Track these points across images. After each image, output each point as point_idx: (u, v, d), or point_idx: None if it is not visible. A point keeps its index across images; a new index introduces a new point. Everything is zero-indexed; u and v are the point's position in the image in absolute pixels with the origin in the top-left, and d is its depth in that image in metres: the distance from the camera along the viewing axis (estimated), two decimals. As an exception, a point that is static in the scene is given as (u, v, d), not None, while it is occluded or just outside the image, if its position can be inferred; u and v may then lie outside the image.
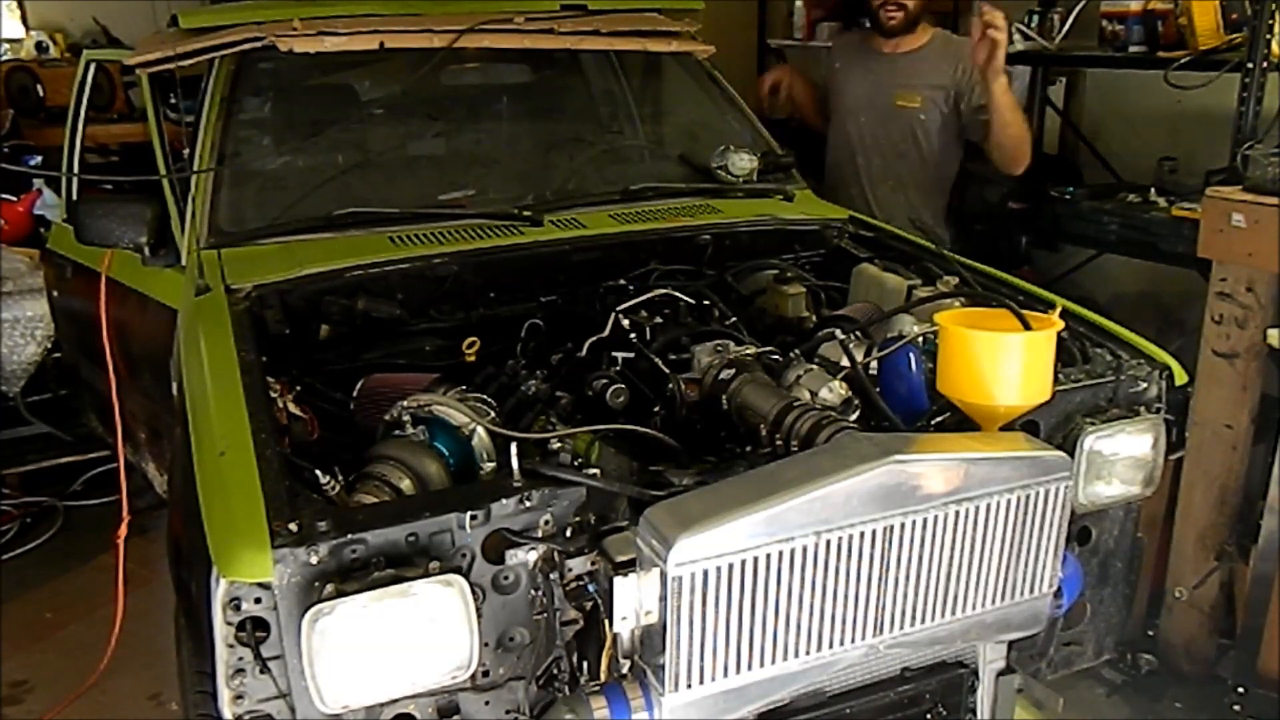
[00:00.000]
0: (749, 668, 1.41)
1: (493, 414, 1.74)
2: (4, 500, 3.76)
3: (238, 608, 1.33)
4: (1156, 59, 3.21)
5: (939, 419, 1.75)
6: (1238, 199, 2.45)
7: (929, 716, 1.73)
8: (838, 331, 1.94)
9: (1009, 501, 1.50)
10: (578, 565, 1.46)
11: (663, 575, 1.32)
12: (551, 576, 1.48)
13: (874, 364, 1.85)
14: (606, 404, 1.82)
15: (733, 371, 1.84)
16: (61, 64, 5.08)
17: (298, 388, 1.83)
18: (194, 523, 1.42)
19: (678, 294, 2.12)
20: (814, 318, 2.25)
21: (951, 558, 1.50)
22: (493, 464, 1.61)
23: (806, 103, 3.53)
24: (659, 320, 2.06)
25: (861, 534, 1.41)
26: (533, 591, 1.49)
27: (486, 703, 1.51)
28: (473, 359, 2.07)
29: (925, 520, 1.45)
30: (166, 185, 2.47)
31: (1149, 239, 3.15)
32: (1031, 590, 1.59)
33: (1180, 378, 1.96)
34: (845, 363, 1.85)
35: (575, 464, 1.57)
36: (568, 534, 1.47)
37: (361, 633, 1.31)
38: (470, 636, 1.36)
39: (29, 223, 4.20)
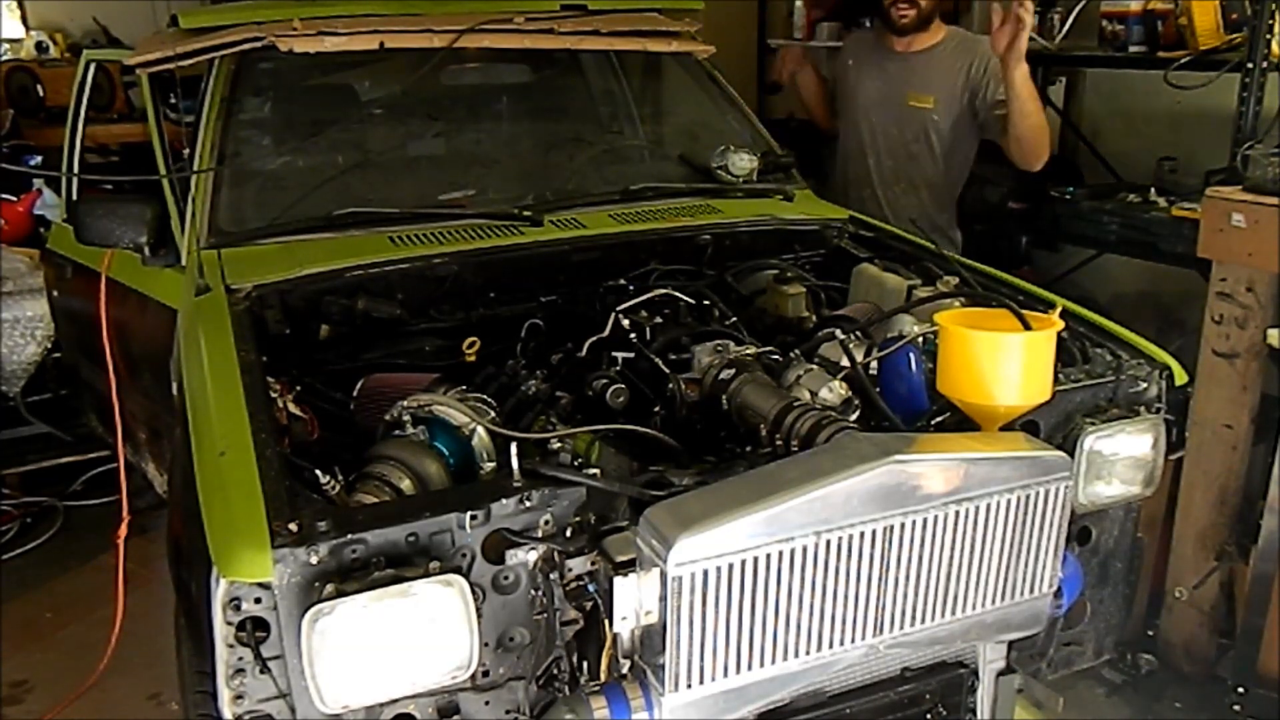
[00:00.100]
0: (749, 668, 1.41)
1: (493, 414, 1.74)
2: (4, 500, 3.76)
3: (238, 608, 1.33)
4: (1156, 59, 3.21)
5: (939, 419, 1.75)
6: (1238, 199, 2.45)
7: (929, 716, 1.73)
8: (838, 331, 1.94)
9: (1009, 501, 1.50)
10: (578, 565, 1.46)
11: (663, 575, 1.32)
12: (551, 576, 1.48)
13: (874, 364, 1.85)
14: (606, 404, 1.82)
15: (733, 371, 1.84)
16: (61, 64, 5.09)
17: (298, 388, 1.83)
18: (194, 523, 1.42)
19: (678, 294, 2.12)
20: (814, 318, 2.25)
21: (951, 558, 1.50)
22: (493, 464, 1.62)
23: (815, 99, 3.47)
24: (659, 320, 2.06)
25: (861, 534, 1.41)
26: (533, 591, 1.49)
27: (486, 703, 1.51)
28: (473, 359, 2.07)
29: (925, 520, 1.45)
30: (166, 185, 2.47)
31: (1149, 239, 3.16)
32: (1031, 590, 1.59)
33: (1180, 378, 1.96)
34: (845, 363, 1.85)
35: (575, 464, 1.57)
36: (568, 534, 1.47)
37: (361, 633, 1.31)
38: (470, 636, 1.36)
39: (29, 223, 4.20)
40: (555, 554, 1.46)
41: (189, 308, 2.06)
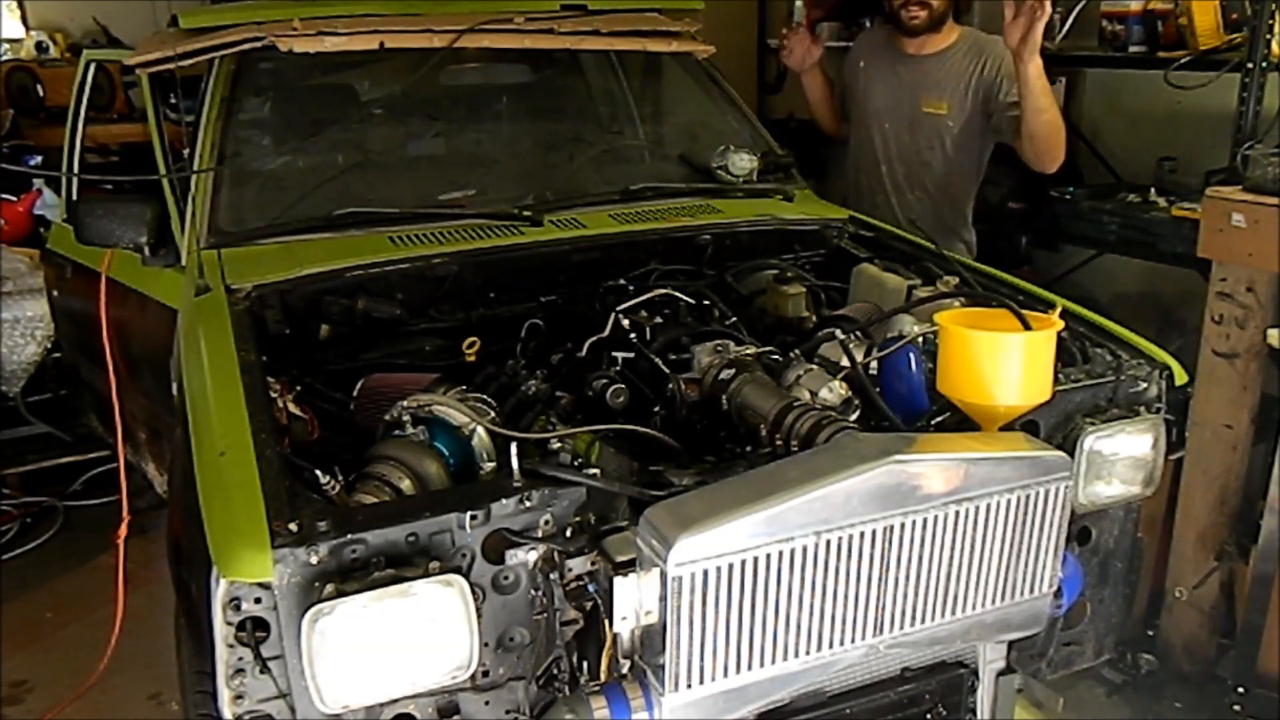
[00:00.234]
0: (749, 668, 1.41)
1: (493, 414, 1.74)
2: (4, 500, 3.76)
3: (238, 608, 1.33)
4: (1156, 59, 3.21)
5: (939, 419, 1.75)
6: (1238, 199, 2.45)
7: (929, 716, 1.73)
8: (838, 331, 1.94)
9: (1009, 501, 1.50)
10: (578, 565, 1.46)
11: (663, 575, 1.32)
12: (551, 576, 1.48)
13: (874, 364, 1.85)
14: (606, 404, 1.82)
15: (733, 371, 1.84)
16: (61, 64, 5.08)
17: (298, 388, 1.84)
18: (194, 523, 1.42)
19: (678, 294, 2.12)
20: (814, 318, 2.24)
21: (951, 558, 1.50)
22: (493, 464, 1.62)
23: (821, 102, 3.35)
24: (659, 320, 2.06)
25: (861, 534, 1.41)
26: (533, 591, 1.49)
27: (486, 703, 1.51)
28: (473, 359, 2.07)
29: (925, 520, 1.45)
30: (166, 185, 2.47)
31: (1149, 239, 3.16)
32: (1031, 590, 1.59)
33: (1180, 378, 1.96)
34: (845, 363, 1.85)
35: (575, 464, 1.57)
36: (568, 534, 1.47)
37: (361, 633, 1.31)
38: (470, 636, 1.36)
39: (29, 223, 4.21)
40: (555, 554, 1.46)
41: (189, 308, 2.06)
